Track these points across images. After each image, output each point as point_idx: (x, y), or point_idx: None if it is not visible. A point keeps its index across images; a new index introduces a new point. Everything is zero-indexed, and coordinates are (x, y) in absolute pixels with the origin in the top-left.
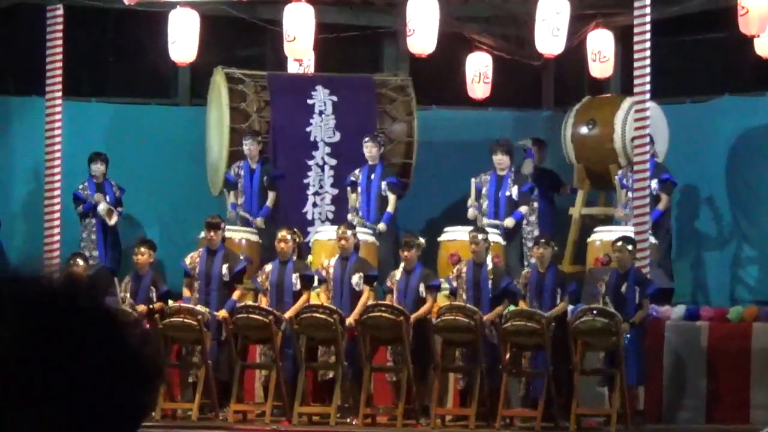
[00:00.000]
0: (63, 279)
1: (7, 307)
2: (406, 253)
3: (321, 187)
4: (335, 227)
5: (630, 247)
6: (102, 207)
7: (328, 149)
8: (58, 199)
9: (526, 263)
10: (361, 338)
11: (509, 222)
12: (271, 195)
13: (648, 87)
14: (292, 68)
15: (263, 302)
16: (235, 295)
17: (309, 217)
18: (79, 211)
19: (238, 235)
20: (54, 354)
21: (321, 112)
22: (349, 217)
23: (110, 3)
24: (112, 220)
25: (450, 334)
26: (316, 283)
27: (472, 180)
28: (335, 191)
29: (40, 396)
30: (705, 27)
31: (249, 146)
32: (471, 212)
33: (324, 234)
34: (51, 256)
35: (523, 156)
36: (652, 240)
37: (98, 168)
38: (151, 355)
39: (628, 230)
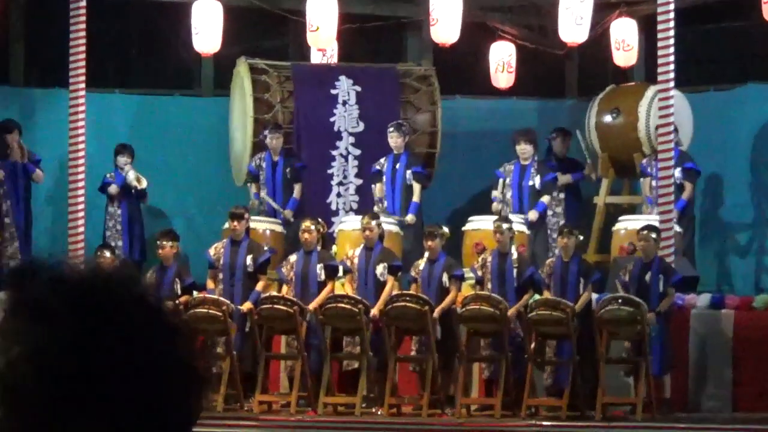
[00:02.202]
0: (123, 276)
1: (72, 305)
2: (429, 243)
3: (345, 177)
4: (359, 217)
5: (654, 236)
6: (131, 174)
7: (351, 139)
8: (82, 191)
9: (551, 253)
10: (386, 328)
11: (532, 215)
12: (297, 187)
13: (672, 75)
14: (316, 58)
15: (287, 293)
16: (260, 285)
17: (333, 207)
18: (113, 191)
19: (262, 225)
20: (115, 354)
21: (344, 103)
22: (375, 208)
23: None
24: (143, 184)
25: (475, 323)
26: (340, 273)
27: (500, 173)
28: (359, 181)
29: (102, 396)
30: (728, 15)
31: (272, 139)
32: (495, 206)
33: (348, 224)
34: (75, 248)
35: (548, 146)
36: (677, 228)
37: (125, 160)
38: (202, 358)
39: (653, 219)
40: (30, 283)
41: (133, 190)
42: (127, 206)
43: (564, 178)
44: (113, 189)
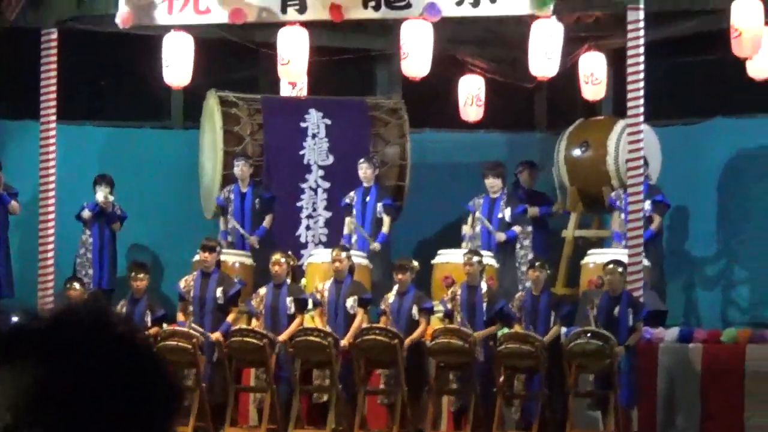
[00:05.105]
0: (96, 311)
1: (48, 345)
2: (399, 276)
3: (314, 210)
4: (329, 250)
5: (621, 270)
6: (100, 195)
7: (321, 172)
8: (52, 223)
9: (520, 287)
10: (356, 361)
11: (500, 236)
12: (267, 217)
13: (641, 109)
14: (286, 91)
15: (257, 325)
16: (230, 318)
17: (302, 240)
18: (85, 215)
19: (231, 258)
20: (94, 386)
21: (314, 135)
22: (345, 241)
23: (104, 27)
24: (110, 198)
25: (444, 356)
26: (310, 305)
27: (470, 207)
28: (329, 214)
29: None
30: (698, 49)
31: (240, 168)
32: (464, 245)
33: (318, 257)
34: (45, 280)
35: (515, 181)
36: (645, 262)
37: (103, 190)
38: (177, 384)
39: (621, 253)
40: None
41: (104, 211)
42: (99, 234)
43: (532, 211)
44: (85, 213)
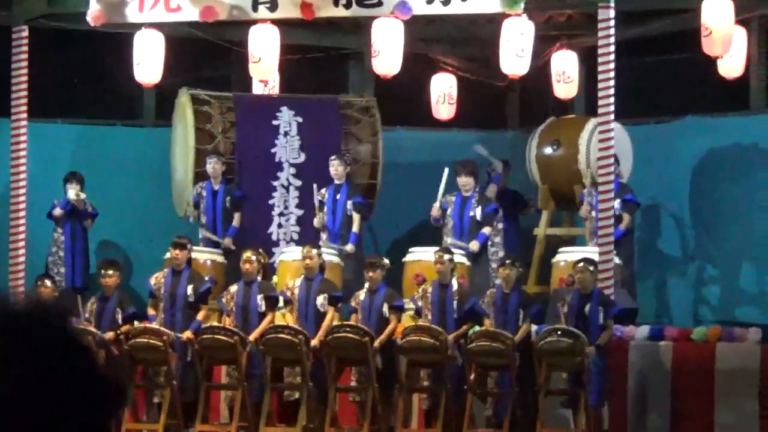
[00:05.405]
0: (25, 302)
1: None
2: (370, 274)
3: (286, 207)
4: (300, 248)
5: (591, 268)
6: (71, 192)
7: (293, 170)
8: (23, 221)
9: (491, 284)
10: (326, 359)
11: (474, 245)
12: (236, 216)
13: (612, 108)
14: (257, 89)
15: (228, 323)
16: (200, 315)
17: (274, 237)
18: (56, 213)
19: (203, 256)
20: (16, 376)
21: (286, 133)
22: (323, 236)
23: (76, 25)
24: (81, 196)
25: (415, 354)
26: (281, 303)
27: (443, 205)
28: (300, 212)
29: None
30: (669, 48)
31: (213, 165)
32: (435, 209)
33: (289, 255)
34: (16, 278)
35: (487, 179)
36: (617, 260)
37: (74, 187)
38: (113, 377)
39: (592, 251)
40: None
41: (74, 208)
42: (71, 231)
43: (491, 190)
44: (57, 211)
